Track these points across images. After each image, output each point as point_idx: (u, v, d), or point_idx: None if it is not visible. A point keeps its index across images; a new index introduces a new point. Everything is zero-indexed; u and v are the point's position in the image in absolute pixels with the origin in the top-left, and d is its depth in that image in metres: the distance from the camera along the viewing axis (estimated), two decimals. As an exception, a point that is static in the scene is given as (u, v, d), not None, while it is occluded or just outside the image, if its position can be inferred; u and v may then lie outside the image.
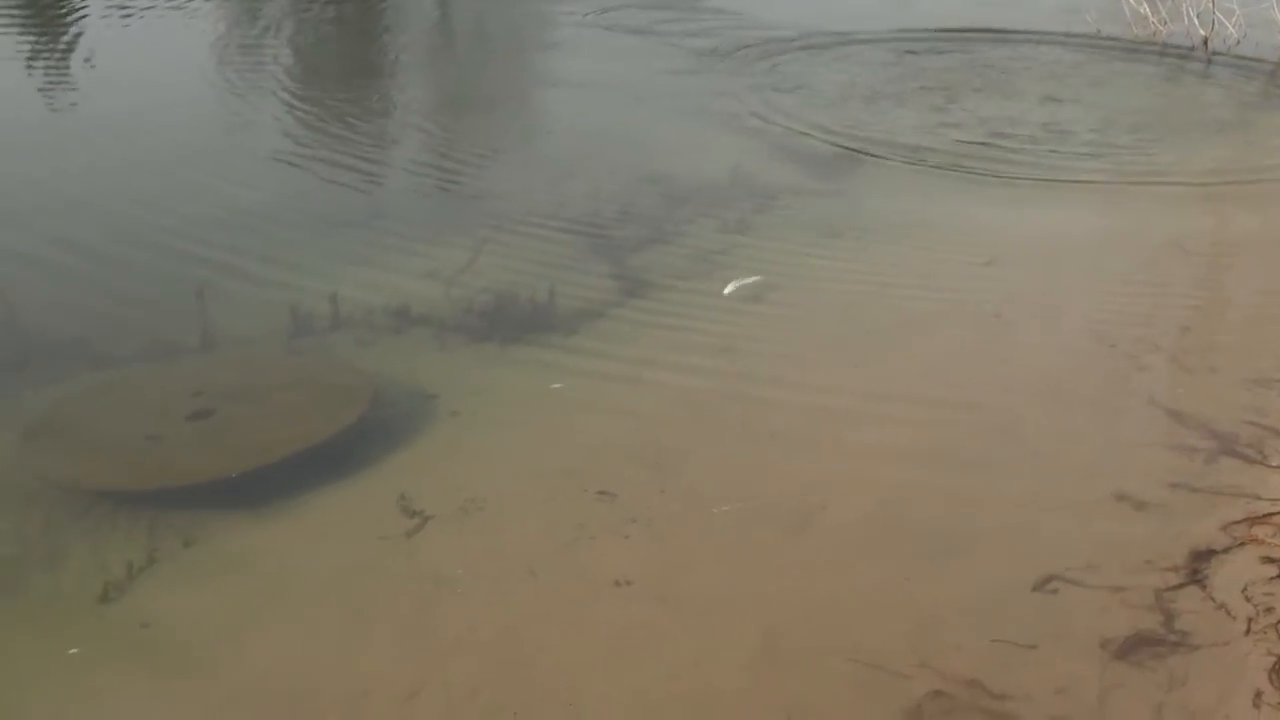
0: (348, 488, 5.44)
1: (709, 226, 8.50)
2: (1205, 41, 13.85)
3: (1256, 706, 4.19)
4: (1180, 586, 4.81)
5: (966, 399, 6.21)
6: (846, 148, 10.34)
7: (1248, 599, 4.74)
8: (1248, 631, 4.56)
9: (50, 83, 12.38)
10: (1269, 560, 4.96)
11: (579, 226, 8.48)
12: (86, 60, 13.11)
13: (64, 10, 14.91)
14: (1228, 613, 4.66)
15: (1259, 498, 5.38)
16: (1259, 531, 5.11)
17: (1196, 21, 13.86)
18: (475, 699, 4.17)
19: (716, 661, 4.37)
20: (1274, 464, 5.62)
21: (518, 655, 4.38)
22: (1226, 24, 13.69)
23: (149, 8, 15.07)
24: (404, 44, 14.94)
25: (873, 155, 10.15)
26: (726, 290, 6.87)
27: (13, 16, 14.73)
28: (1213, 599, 4.74)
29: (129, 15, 14.78)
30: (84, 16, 14.70)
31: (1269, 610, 4.66)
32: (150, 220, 8.47)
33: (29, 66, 12.83)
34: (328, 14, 15.69)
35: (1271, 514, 5.23)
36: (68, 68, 12.82)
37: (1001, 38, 14.17)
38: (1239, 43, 13.63)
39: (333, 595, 4.74)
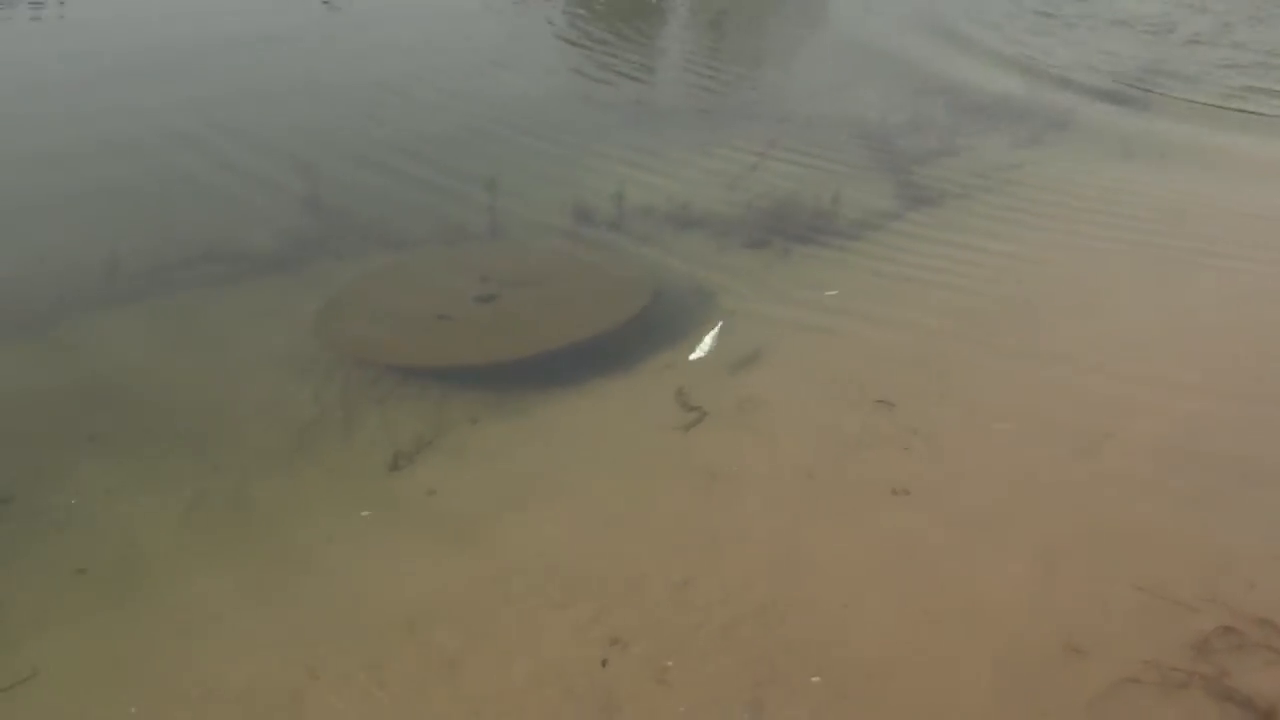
0: (627, 379, 5.52)
1: (1000, 142, 8.26)
2: None
3: None
4: None
5: (1271, 330, 5.88)
6: (1151, 73, 9.85)
7: None
8: None
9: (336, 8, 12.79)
10: None
11: (865, 134, 8.35)
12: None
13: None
14: None
15: None
16: None
17: None
18: (747, 593, 4.18)
19: (993, 579, 4.28)
20: None
21: (792, 555, 4.38)
22: None
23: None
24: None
25: (1179, 82, 9.63)
26: (694, 355, 5.66)
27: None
28: None
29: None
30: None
31: None
32: (442, 118, 8.74)
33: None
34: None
35: None
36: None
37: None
38: None
39: (612, 481, 4.82)
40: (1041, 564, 4.33)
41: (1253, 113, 8.91)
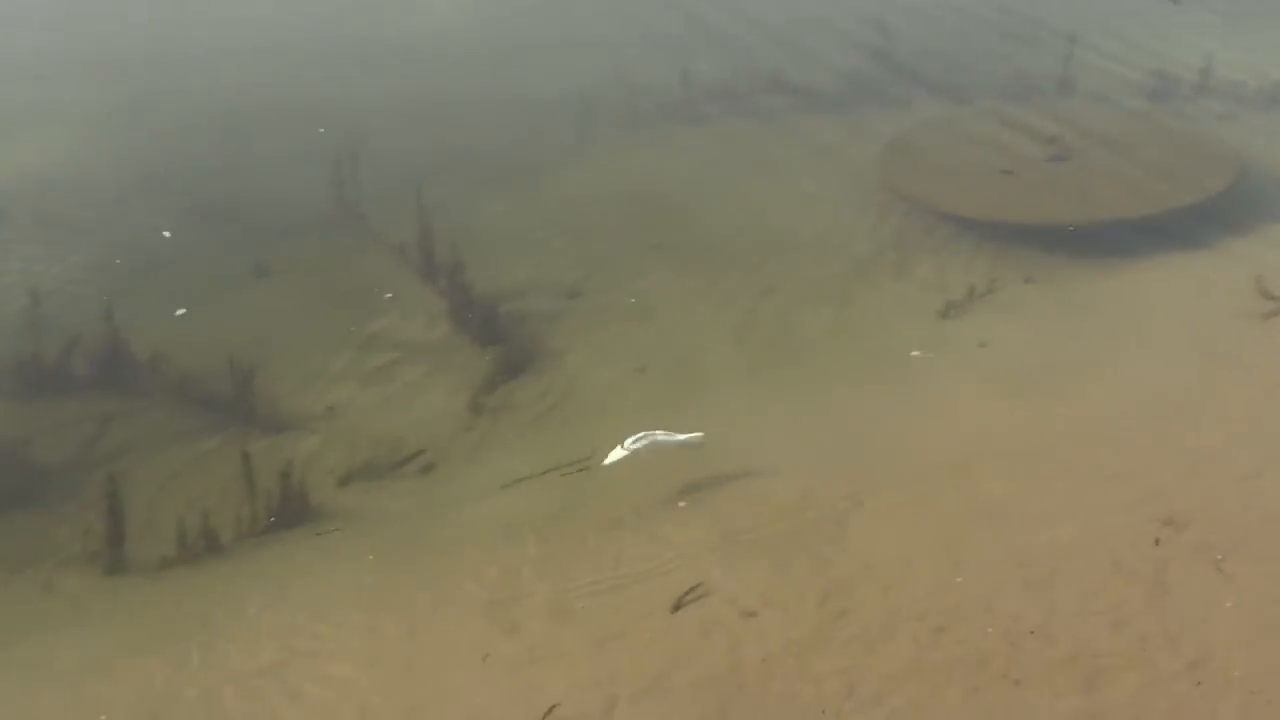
0: (1200, 258, 5.20)
1: None
2: None
3: None
4: None
5: None
6: None
7: None
8: None
9: None
10: None
11: None
12: None
13: None
14: None
15: None
16: None
17: None
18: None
19: None
20: None
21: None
22: None
23: None
24: None
25: None
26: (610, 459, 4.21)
27: None
28: None
29: None
30: None
31: None
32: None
33: None
34: None
35: None
36: None
37: None
38: None
39: (1177, 360, 4.53)
40: None
41: None
